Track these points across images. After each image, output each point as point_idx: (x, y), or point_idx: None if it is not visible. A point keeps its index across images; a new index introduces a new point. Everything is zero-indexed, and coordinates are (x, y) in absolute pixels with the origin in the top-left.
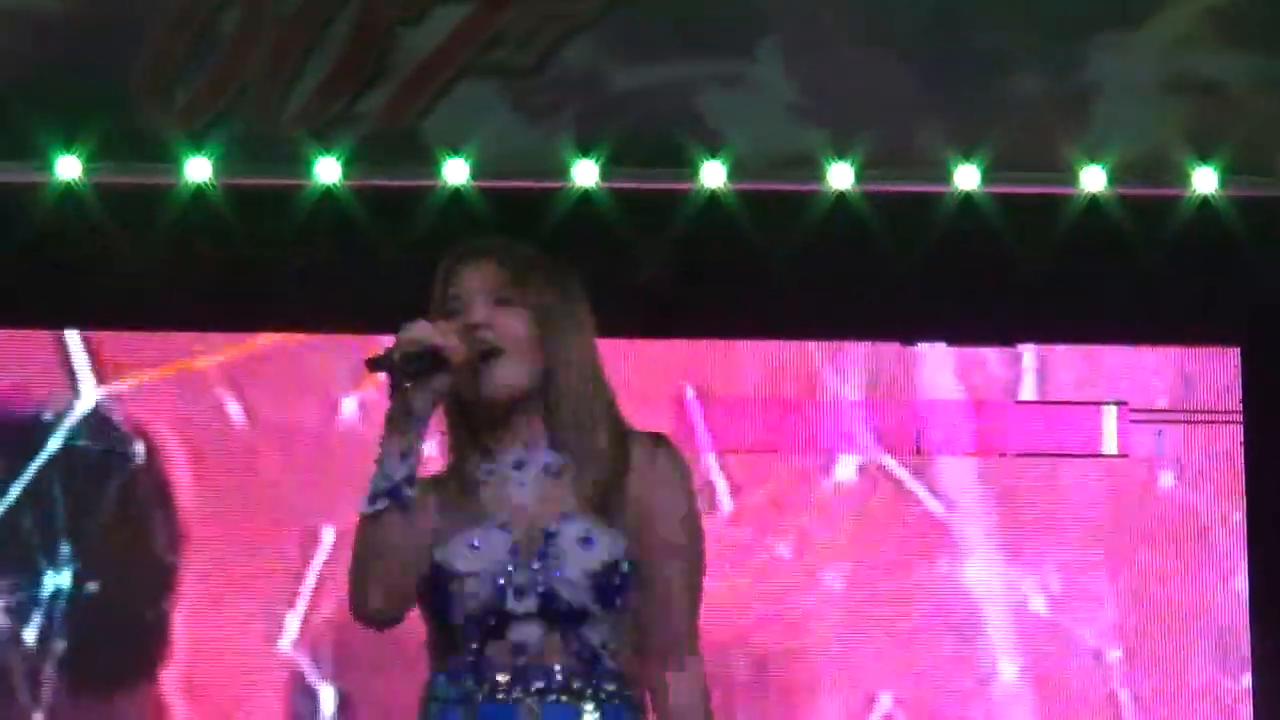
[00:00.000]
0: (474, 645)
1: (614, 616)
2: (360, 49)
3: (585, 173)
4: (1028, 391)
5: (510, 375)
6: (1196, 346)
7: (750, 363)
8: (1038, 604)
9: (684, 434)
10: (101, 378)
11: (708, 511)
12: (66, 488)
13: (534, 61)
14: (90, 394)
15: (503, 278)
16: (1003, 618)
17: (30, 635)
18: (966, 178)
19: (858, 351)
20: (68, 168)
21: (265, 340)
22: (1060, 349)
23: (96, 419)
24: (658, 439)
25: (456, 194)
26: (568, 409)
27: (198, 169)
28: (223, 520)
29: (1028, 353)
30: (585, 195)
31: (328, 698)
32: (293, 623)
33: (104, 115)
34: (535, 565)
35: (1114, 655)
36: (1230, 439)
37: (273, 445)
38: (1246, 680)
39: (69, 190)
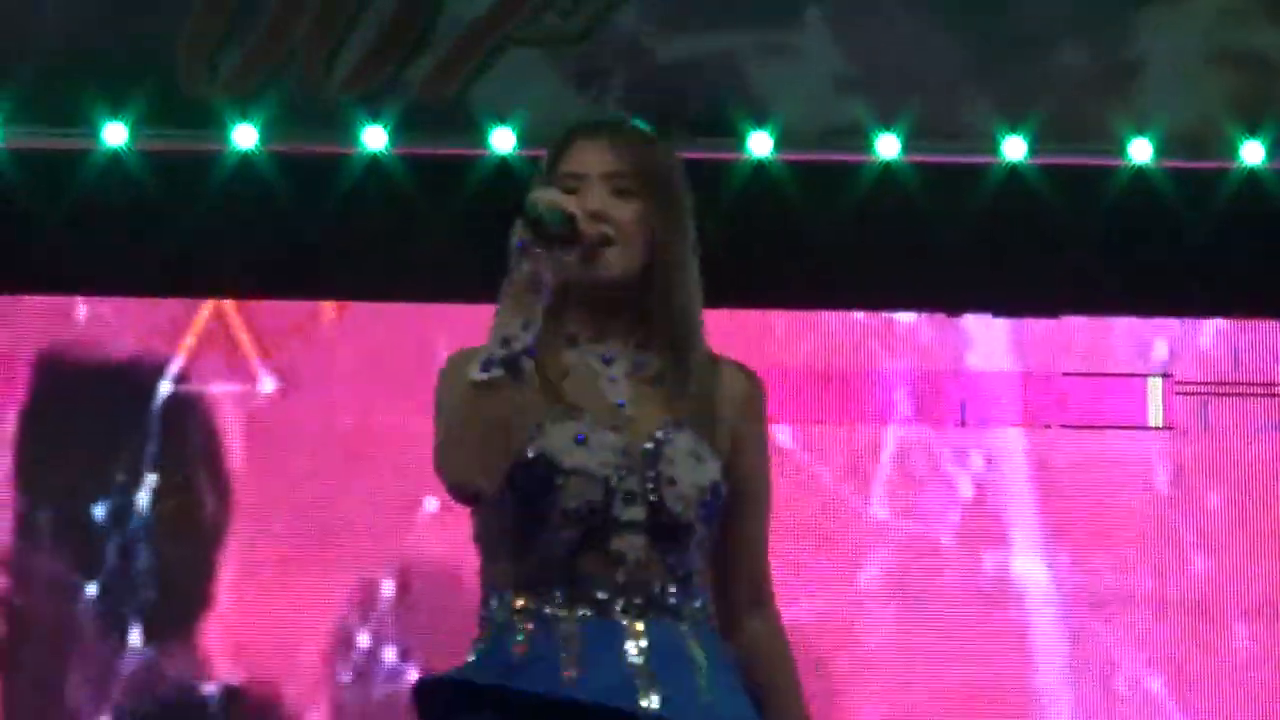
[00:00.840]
0: (568, 554)
1: (707, 541)
2: (407, 16)
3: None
4: (1073, 363)
5: (618, 263)
6: (1243, 318)
7: (796, 333)
8: (1079, 578)
9: None
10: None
11: None
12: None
13: (581, 29)
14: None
15: (620, 163)
16: (1046, 591)
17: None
18: (1013, 149)
19: (904, 323)
20: (114, 135)
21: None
22: (1106, 320)
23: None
24: (746, 369)
25: (503, 162)
26: (670, 310)
27: (244, 136)
28: None
29: (1072, 324)
30: None
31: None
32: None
33: (150, 82)
34: (648, 472)
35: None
36: (1276, 412)
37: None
38: None
39: (115, 157)
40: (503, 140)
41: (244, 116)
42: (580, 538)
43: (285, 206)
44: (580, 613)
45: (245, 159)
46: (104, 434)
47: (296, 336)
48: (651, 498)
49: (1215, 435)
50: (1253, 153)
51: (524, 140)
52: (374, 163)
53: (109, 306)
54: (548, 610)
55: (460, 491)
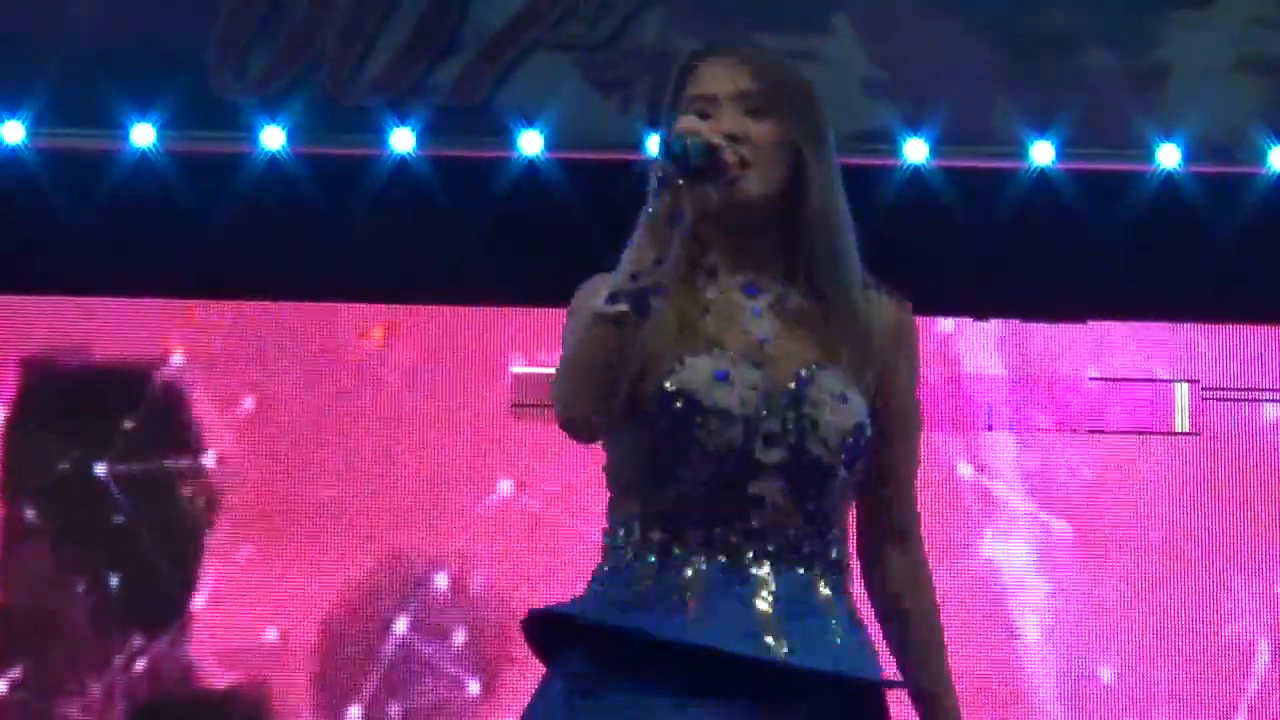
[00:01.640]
0: (704, 495)
1: (848, 484)
2: (435, 19)
3: (658, 146)
4: (1101, 368)
5: (758, 184)
6: (1271, 324)
7: None
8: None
9: None
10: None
11: None
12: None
13: (607, 34)
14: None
15: (754, 84)
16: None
17: None
18: (1042, 154)
19: (930, 326)
20: (142, 135)
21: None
22: (1132, 325)
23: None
24: (896, 295)
25: (531, 165)
26: (816, 236)
27: (272, 137)
28: None
29: (1100, 329)
30: None
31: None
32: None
33: (179, 83)
34: (789, 414)
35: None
36: None
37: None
38: None
39: (144, 158)
40: (530, 143)
41: (272, 118)
42: (717, 478)
43: (313, 208)
44: (711, 555)
45: (273, 160)
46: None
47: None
48: (792, 440)
49: (1243, 440)
50: (1279, 158)
51: (551, 143)
52: (402, 164)
53: (100, 306)
54: (677, 550)
55: (569, 426)
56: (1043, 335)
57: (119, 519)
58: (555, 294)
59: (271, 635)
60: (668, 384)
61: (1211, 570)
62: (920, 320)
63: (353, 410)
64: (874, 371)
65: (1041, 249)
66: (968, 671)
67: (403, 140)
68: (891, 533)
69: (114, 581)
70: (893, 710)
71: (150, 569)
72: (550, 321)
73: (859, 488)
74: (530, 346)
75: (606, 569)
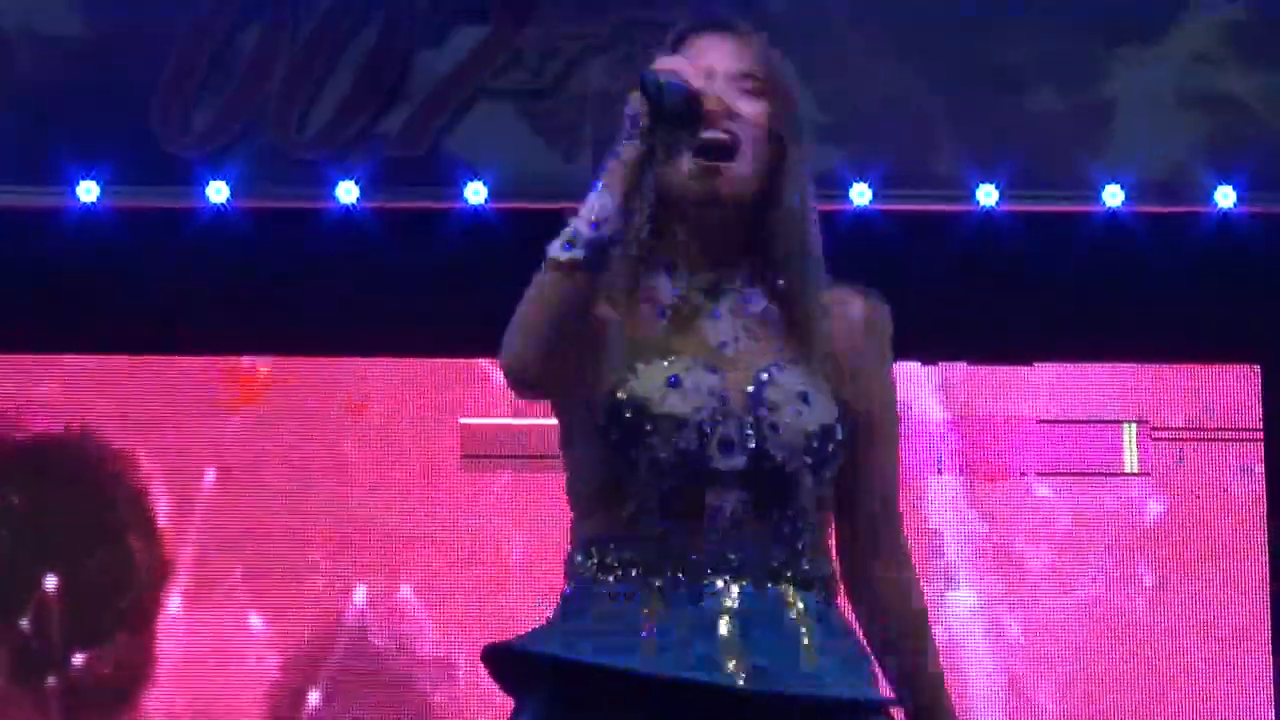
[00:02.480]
0: (659, 508)
1: (818, 491)
2: (378, 70)
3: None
4: (1048, 410)
5: (741, 172)
6: (1217, 363)
7: None
8: (1058, 623)
9: None
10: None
11: None
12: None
13: (550, 82)
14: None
15: (748, 61)
16: (1023, 637)
17: None
18: (986, 195)
19: None
20: (87, 191)
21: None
22: (1080, 367)
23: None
24: (867, 291)
25: (476, 215)
26: (790, 233)
27: (217, 191)
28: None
29: (1048, 371)
30: None
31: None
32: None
33: (123, 138)
34: (747, 417)
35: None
36: (1251, 456)
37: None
38: (1270, 697)
39: (88, 213)
40: (475, 193)
41: (217, 172)
42: (673, 490)
43: (259, 261)
44: (670, 574)
45: (218, 214)
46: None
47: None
48: (751, 444)
49: (1191, 480)
50: (1225, 197)
51: (495, 193)
52: (347, 216)
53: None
54: (635, 571)
55: (511, 372)
56: (990, 378)
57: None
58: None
59: (223, 692)
60: (619, 393)
61: (1166, 612)
62: None
63: (303, 460)
64: (843, 372)
65: (988, 292)
66: None
67: (347, 192)
68: (871, 549)
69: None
70: None
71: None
72: (497, 371)
73: (836, 501)
74: (478, 397)
75: (568, 592)
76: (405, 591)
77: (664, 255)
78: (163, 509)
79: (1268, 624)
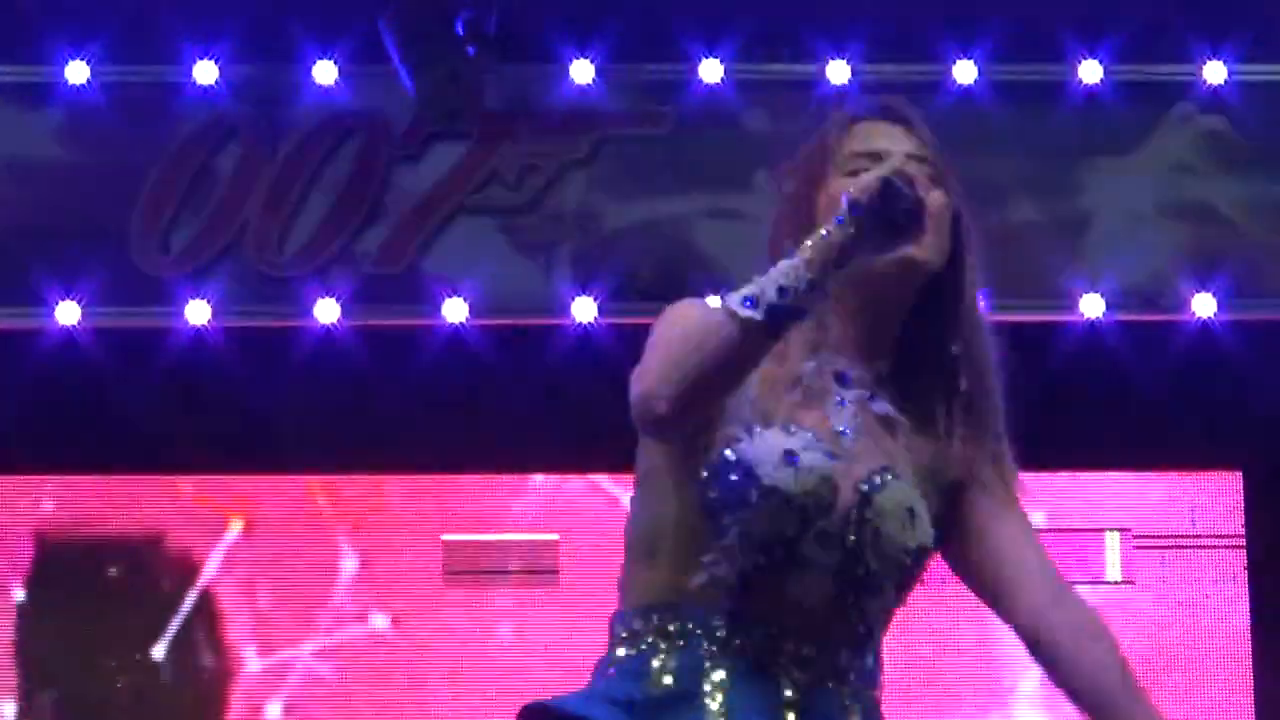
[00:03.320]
0: (742, 581)
1: (896, 604)
2: (357, 189)
3: (584, 309)
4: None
5: (932, 255)
6: (1198, 471)
7: None
8: None
9: None
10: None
11: None
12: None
13: (530, 198)
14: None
15: (924, 148)
16: None
17: None
18: None
19: None
20: (67, 313)
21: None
22: (1062, 475)
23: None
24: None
25: (456, 332)
26: (960, 334)
27: (197, 312)
28: None
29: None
30: (585, 332)
31: None
32: None
33: (103, 260)
34: (852, 516)
35: None
36: (1234, 563)
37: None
38: None
39: (69, 336)
40: (455, 310)
41: (197, 292)
42: (758, 566)
43: (240, 380)
44: (739, 654)
45: (198, 335)
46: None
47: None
48: (850, 544)
49: (1174, 588)
50: (1204, 305)
51: (476, 310)
52: (327, 335)
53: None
54: (703, 643)
55: (648, 408)
56: None
57: None
58: (484, 461)
59: None
60: (729, 451)
61: None
62: None
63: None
64: (949, 482)
65: None
66: None
67: (327, 311)
68: (1050, 592)
69: None
70: None
71: None
72: (480, 488)
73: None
74: (460, 513)
75: (617, 659)
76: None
77: (810, 333)
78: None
79: None
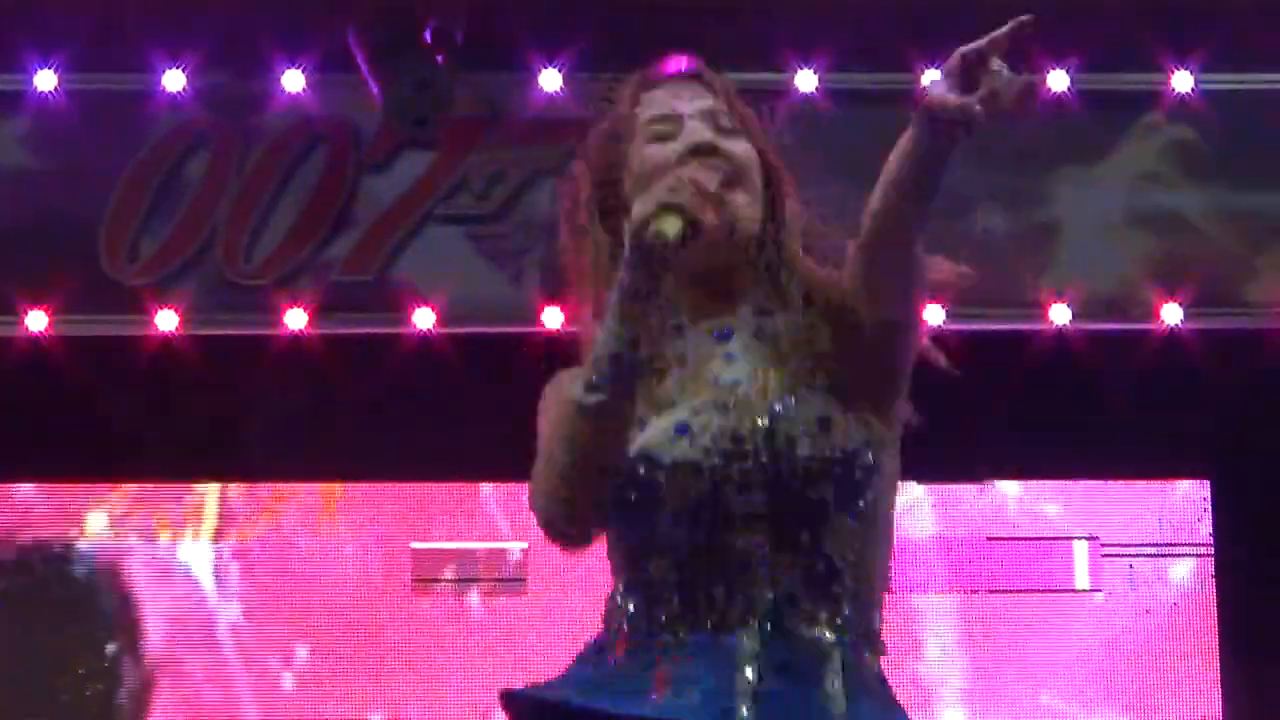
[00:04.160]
0: (688, 560)
1: (856, 523)
2: (326, 197)
3: (553, 318)
4: (998, 528)
5: (748, 210)
6: (1166, 479)
7: None
8: None
9: None
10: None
11: None
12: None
13: (498, 206)
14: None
15: (717, 100)
16: None
17: None
18: (932, 315)
19: None
20: (36, 321)
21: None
22: (1030, 484)
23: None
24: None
25: (424, 340)
26: (784, 255)
27: (166, 319)
28: None
29: (998, 489)
30: (553, 340)
31: None
32: None
33: (72, 268)
34: (762, 454)
35: None
36: (1202, 571)
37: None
38: None
39: (37, 343)
40: (423, 319)
41: (165, 300)
42: (693, 539)
43: (208, 388)
44: (696, 622)
45: (167, 343)
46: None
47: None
48: (769, 482)
49: (1142, 595)
50: (1171, 314)
51: (444, 318)
52: (295, 342)
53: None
54: (663, 617)
55: (550, 534)
56: (940, 496)
57: None
58: (452, 469)
59: None
60: (631, 450)
61: None
62: None
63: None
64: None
65: (936, 409)
66: None
67: (296, 319)
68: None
69: None
70: None
71: None
72: (447, 495)
73: (880, 527)
74: (428, 521)
75: (593, 644)
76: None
77: (674, 320)
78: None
79: None
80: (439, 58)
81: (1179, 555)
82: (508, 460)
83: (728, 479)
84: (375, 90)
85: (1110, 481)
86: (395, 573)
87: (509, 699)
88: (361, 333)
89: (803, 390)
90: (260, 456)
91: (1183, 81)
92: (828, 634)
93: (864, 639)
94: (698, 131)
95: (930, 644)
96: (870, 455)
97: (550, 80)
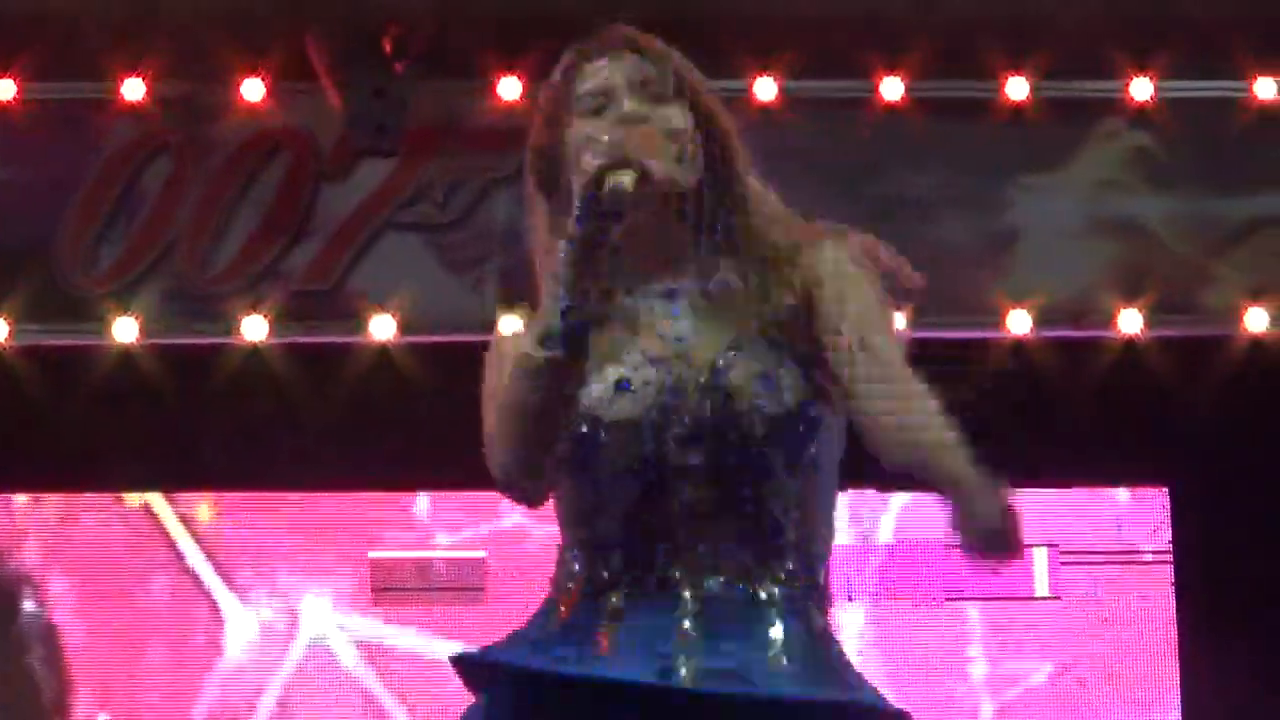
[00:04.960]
0: (622, 512)
1: (801, 478)
2: (285, 204)
3: (512, 326)
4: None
5: (687, 170)
6: (1125, 486)
7: None
8: None
9: None
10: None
11: None
12: None
13: (457, 214)
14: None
15: (650, 69)
16: None
17: None
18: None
19: None
20: None
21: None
22: None
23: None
24: (829, 231)
25: (383, 350)
26: (732, 214)
27: (124, 329)
28: None
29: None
30: None
31: None
32: None
33: (30, 277)
34: (704, 409)
35: None
36: (1161, 578)
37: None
38: None
39: None
40: (383, 328)
41: (124, 309)
42: (635, 495)
43: (167, 398)
44: (638, 579)
45: (126, 352)
46: None
47: None
48: (710, 437)
49: (1101, 603)
50: (1130, 321)
51: (404, 327)
52: (255, 352)
53: None
54: (605, 575)
55: (507, 492)
56: (900, 504)
57: None
58: (411, 478)
59: None
60: (574, 410)
61: None
62: None
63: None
64: (808, 331)
65: None
66: None
67: (255, 328)
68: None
69: None
70: None
71: None
72: (408, 505)
73: (827, 479)
74: (387, 531)
75: (543, 604)
76: None
77: (622, 281)
78: (70, 643)
79: None
80: (398, 66)
81: (1139, 563)
82: (467, 468)
83: (668, 434)
84: (334, 99)
85: (1069, 488)
86: (354, 582)
87: (458, 661)
88: (321, 341)
89: (747, 346)
90: (219, 466)
91: (1142, 89)
92: (773, 590)
93: (809, 593)
94: (629, 102)
95: (886, 651)
96: (814, 410)
97: (509, 88)
